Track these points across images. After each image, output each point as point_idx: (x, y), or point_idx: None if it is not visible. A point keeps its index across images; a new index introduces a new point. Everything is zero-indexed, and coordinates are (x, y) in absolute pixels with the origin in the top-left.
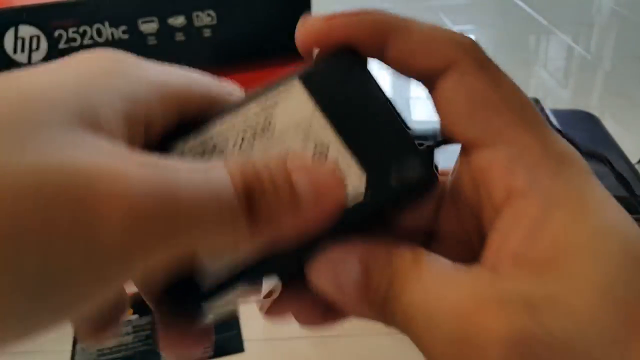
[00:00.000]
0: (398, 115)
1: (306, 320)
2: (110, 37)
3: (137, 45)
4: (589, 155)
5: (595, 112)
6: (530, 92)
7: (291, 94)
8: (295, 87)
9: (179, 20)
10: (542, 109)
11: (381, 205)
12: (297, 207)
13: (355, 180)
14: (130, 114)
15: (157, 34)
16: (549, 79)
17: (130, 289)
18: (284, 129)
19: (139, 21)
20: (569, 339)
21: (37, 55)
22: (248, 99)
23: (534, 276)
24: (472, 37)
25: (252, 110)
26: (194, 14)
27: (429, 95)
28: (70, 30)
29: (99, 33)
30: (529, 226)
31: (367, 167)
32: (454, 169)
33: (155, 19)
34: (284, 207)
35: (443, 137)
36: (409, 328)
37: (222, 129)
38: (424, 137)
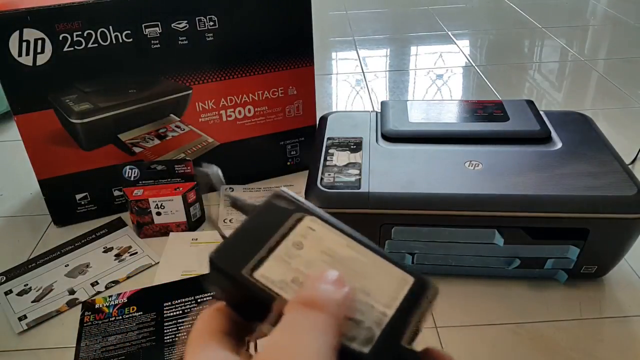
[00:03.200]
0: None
1: None
2: (114, 41)
3: (140, 48)
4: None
5: (589, 114)
6: (525, 94)
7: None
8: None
9: (181, 25)
10: (537, 110)
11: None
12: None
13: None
14: None
15: (161, 38)
16: (543, 81)
17: (132, 287)
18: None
19: (143, 25)
20: None
21: (42, 58)
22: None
23: None
24: (467, 41)
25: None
26: (197, 18)
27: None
28: (75, 33)
29: (104, 37)
30: None
31: None
32: None
33: (158, 23)
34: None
35: None
36: None
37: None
38: None
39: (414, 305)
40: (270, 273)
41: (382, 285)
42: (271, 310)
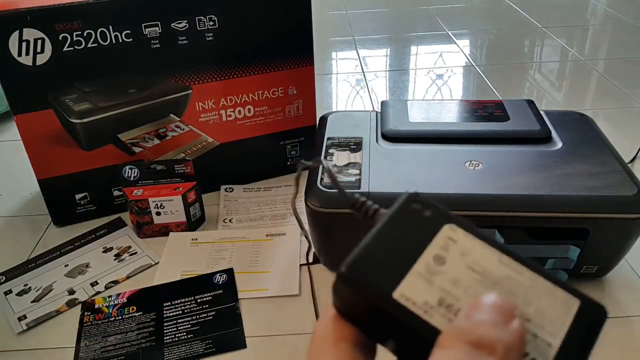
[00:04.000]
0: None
1: None
2: (114, 41)
3: (140, 48)
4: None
5: (589, 113)
6: (525, 94)
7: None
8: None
9: (181, 25)
10: (537, 110)
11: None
12: None
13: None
14: None
15: (160, 38)
16: (543, 81)
17: (132, 287)
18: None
19: (143, 25)
20: None
21: (42, 58)
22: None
23: None
24: (467, 40)
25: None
26: (197, 18)
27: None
28: (75, 33)
29: (103, 36)
30: None
31: None
32: None
33: (158, 23)
34: None
35: None
36: None
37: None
38: None
39: (582, 334)
40: (410, 293)
41: (545, 310)
42: (411, 337)
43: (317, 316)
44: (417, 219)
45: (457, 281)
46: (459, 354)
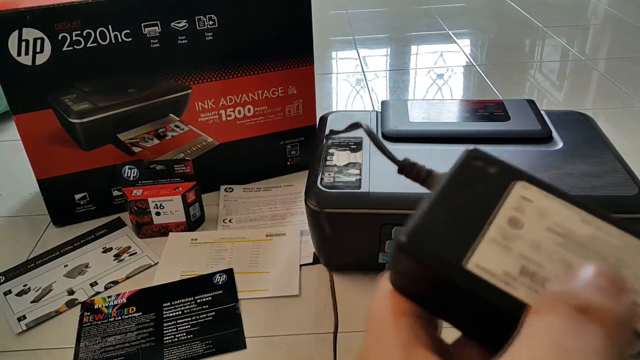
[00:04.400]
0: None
1: None
2: (113, 40)
3: (140, 48)
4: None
5: (590, 113)
6: (526, 94)
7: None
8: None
9: (181, 24)
10: (538, 110)
11: None
12: None
13: None
14: None
15: (160, 37)
16: (544, 81)
17: (132, 287)
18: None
19: (142, 25)
20: None
21: (41, 58)
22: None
23: None
24: (468, 40)
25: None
26: (196, 17)
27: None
28: (74, 33)
29: (103, 36)
30: None
31: None
32: None
33: (158, 22)
34: None
35: None
36: None
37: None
38: None
39: None
40: (486, 262)
41: None
42: (489, 312)
43: (336, 312)
44: (482, 178)
45: (538, 246)
46: (561, 319)
